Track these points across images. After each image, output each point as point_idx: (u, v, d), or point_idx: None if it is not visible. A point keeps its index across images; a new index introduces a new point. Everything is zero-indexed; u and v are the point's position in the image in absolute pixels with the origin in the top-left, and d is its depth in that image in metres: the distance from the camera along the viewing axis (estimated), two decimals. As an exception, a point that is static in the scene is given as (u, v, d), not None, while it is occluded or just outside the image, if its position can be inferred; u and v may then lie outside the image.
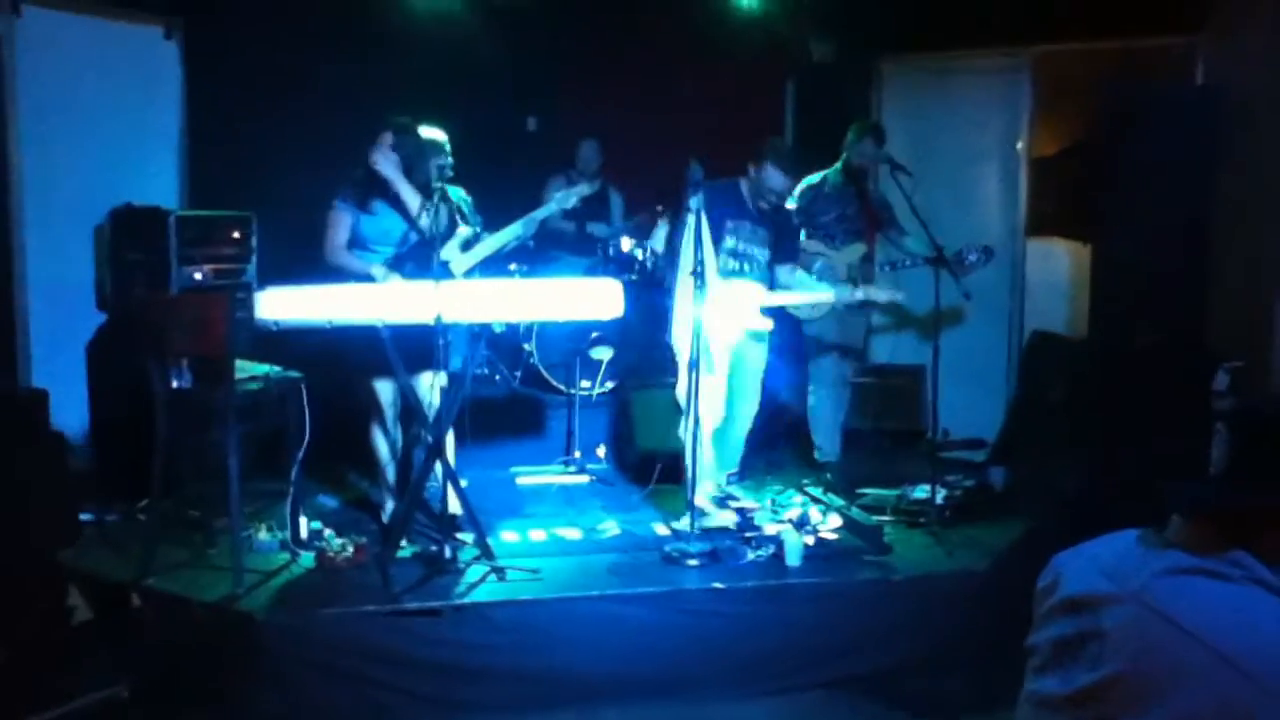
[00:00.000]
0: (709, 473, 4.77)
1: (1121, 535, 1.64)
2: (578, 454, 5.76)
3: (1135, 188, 5.35)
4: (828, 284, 5.06)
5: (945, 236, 4.95)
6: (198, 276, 5.01)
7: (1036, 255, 6.41)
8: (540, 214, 5.12)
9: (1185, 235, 5.35)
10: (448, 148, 4.91)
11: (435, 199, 4.32)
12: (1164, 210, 5.30)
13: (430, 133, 4.84)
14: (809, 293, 5.00)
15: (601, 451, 5.79)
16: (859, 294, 4.96)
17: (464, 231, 4.79)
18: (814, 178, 5.49)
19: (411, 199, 4.40)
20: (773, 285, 4.89)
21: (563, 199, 5.15)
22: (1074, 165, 6.18)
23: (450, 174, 4.89)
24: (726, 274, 4.76)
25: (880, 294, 5.04)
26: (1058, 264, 6.37)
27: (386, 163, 4.41)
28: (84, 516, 4.69)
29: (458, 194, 5.08)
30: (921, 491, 4.89)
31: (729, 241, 4.78)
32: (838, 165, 5.49)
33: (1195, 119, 5.36)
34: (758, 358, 4.92)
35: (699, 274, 4.32)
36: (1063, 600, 1.60)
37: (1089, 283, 5.76)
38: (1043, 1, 5.88)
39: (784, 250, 4.96)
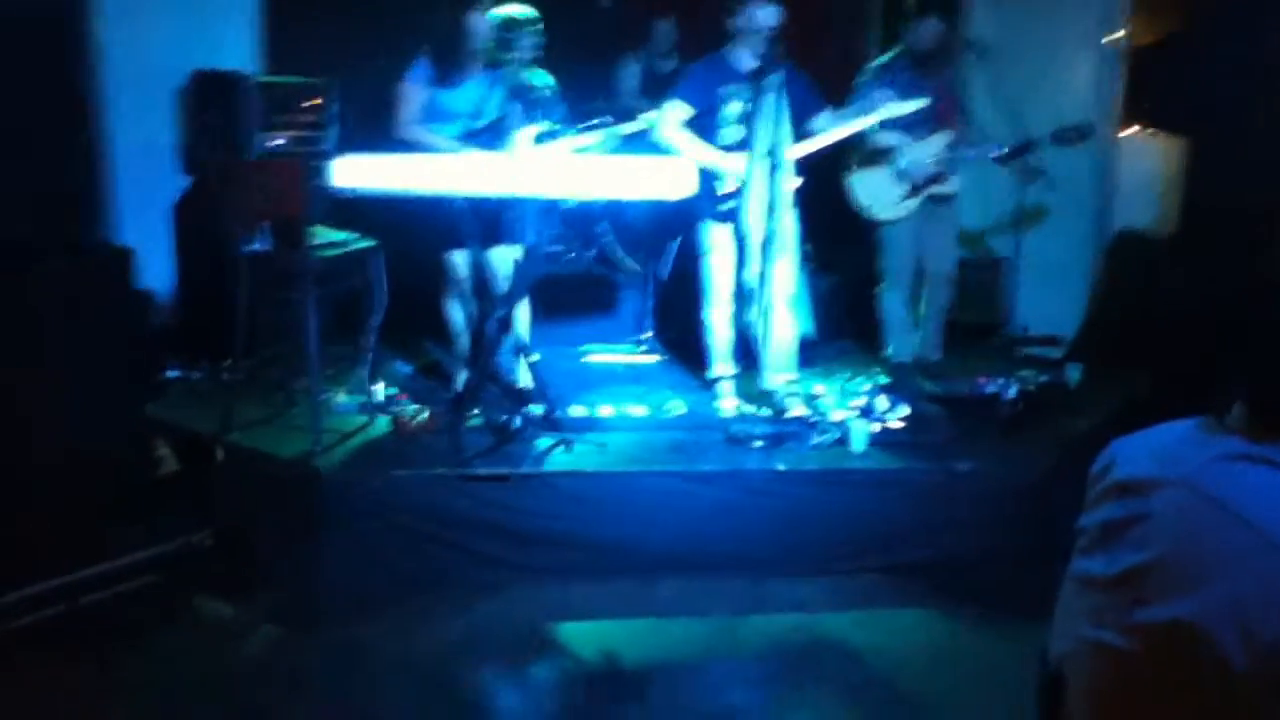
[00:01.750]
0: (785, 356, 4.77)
1: (1182, 422, 1.63)
2: (648, 334, 5.79)
3: (1238, 82, 5.10)
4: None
5: (1036, 128, 4.79)
6: (276, 142, 5.06)
7: (1129, 151, 6.17)
8: (628, 130, 5.00)
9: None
10: (540, 25, 4.84)
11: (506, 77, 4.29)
12: (1267, 107, 5.05)
13: (518, 9, 4.78)
14: (840, 129, 4.71)
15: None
16: (888, 112, 4.68)
17: (539, 128, 4.74)
18: (881, 59, 5.22)
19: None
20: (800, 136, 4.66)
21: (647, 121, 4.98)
22: (1176, 56, 5.89)
23: (539, 54, 4.85)
24: (733, 148, 4.58)
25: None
26: (1152, 160, 6.12)
27: (483, 28, 4.39)
28: (171, 373, 4.88)
29: (543, 78, 5.03)
30: (995, 386, 4.85)
31: (730, 110, 4.59)
32: (900, 49, 5.18)
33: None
34: (793, 222, 4.73)
35: (775, 153, 4.26)
36: (1114, 483, 1.60)
37: (1182, 181, 5.55)
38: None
39: (799, 98, 4.60)
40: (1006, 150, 4.85)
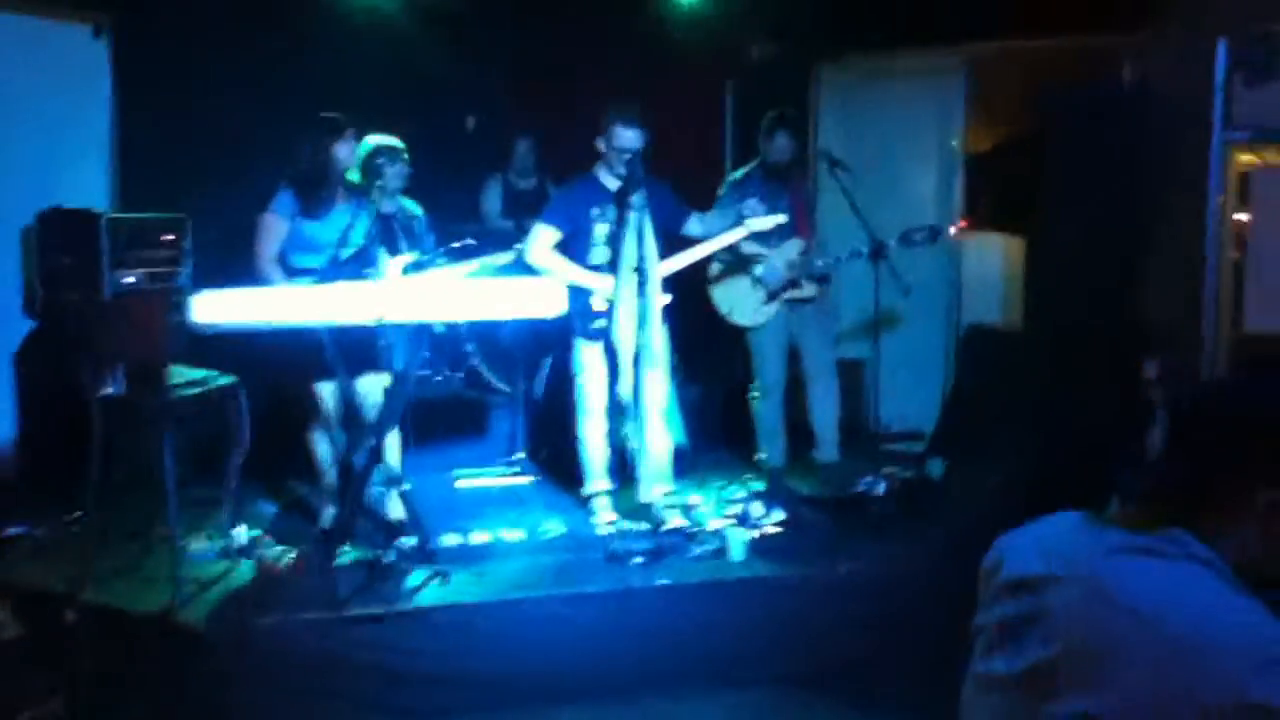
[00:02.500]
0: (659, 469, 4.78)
1: (1063, 516, 1.66)
2: (520, 455, 5.73)
3: (1069, 183, 5.45)
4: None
5: (884, 232, 5.01)
6: (131, 280, 4.90)
7: (972, 250, 6.51)
8: (499, 261, 5.00)
9: (1118, 229, 5.45)
10: (406, 155, 4.85)
11: (374, 208, 4.28)
12: (1096, 206, 5.40)
13: (386, 139, 4.79)
14: (709, 244, 4.85)
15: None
16: (755, 226, 4.80)
17: (408, 258, 4.72)
18: (737, 173, 5.43)
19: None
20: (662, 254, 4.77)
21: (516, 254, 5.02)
22: (1010, 161, 6.27)
23: (407, 183, 4.85)
24: (603, 268, 4.67)
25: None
26: (993, 258, 6.48)
27: (349, 157, 4.37)
28: (13, 530, 4.57)
29: (412, 206, 5.02)
30: (863, 484, 4.93)
31: (599, 231, 4.69)
32: (756, 161, 5.39)
33: (1127, 115, 5.47)
34: (662, 337, 4.79)
35: (642, 270, 4.33)
36: (1007, 581, 1.62)
37: (1023, 276, 5.87)
38: (977, 2, 5.95)
39: (667, 209, 4.77)
40: (861, 253, 5.03)
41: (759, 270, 5.21)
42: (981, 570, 1.71)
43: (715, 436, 5.99)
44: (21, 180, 5.15)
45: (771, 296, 5.25)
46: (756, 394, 5.43)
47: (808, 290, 5.28)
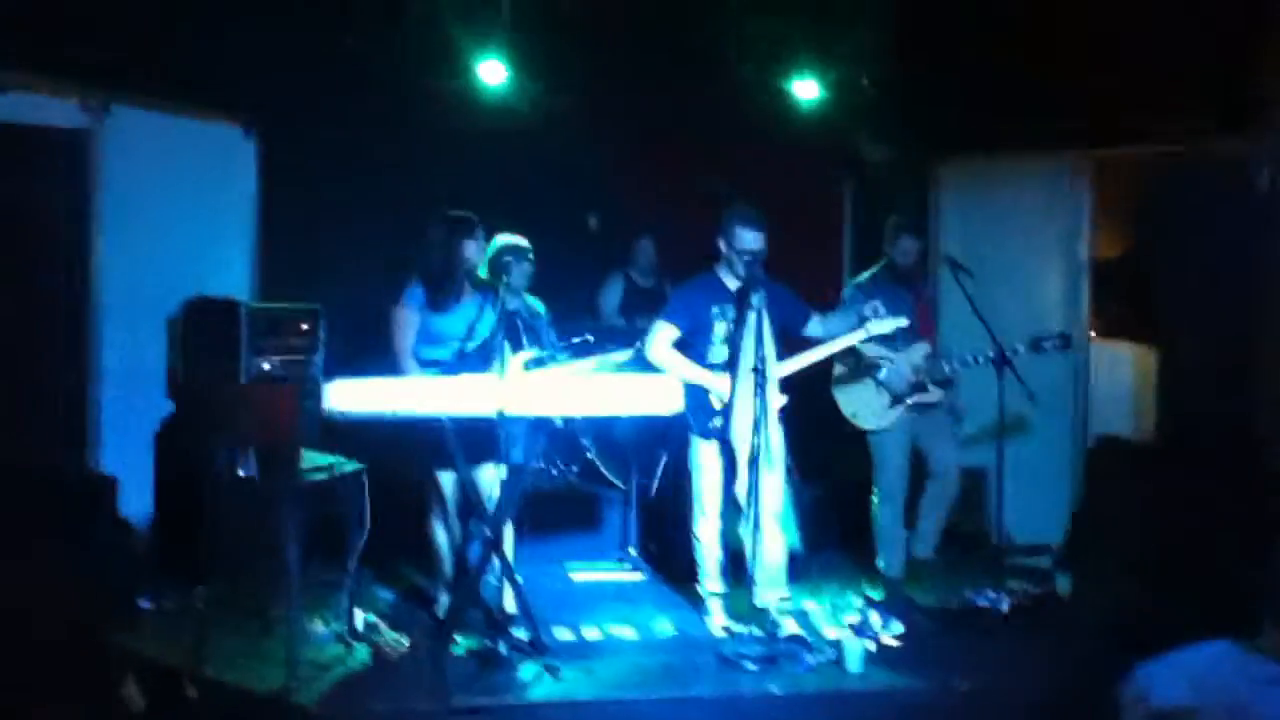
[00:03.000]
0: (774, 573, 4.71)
1: (1211, 645, 1.59)
2: (632, 551, 5.71)
3: (1199, 293, 5.30)
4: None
5: (1008, 337, 4.92)
6: (266, 366, 5.10)
7: (1101, 358, 6.33)
8: (618, 358, 5.09)
9: (1253, 338, 5.26)
10: (531, 254, 4.99)
11: (500, 304, 4.40)
12: (1229, 312, 5.23)
13: (513, 238, 4.94)
14: (828, 346, 4.86)
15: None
16: (875, 329, 4.77)
17: (529, 354, 4.82)
18: (862, 276, 5.43)
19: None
20: (780, 355, 4.78)
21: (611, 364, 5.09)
22: (1137, 268, 6.13)
23: (532, 281, 4.98)
24: (722, 366, 4.69)
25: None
26: (1123, 367, 6.29)
27: (478, 254, 4.51)
28: (142, 602, 4.72)
29: (535, 303, 5.15)
30: (986, 599, 4.77)
31: (718, 329, 4.71)
32: (881, 265, 5.40)
33: (1256, 219, 5.32)
34: (780, 438, 4.78)
35: (760, 370, 4.33)
36: (1153, 712, 1.55)
37: (1155, 387, 5.68)
38: (1099, 105, 5.89)
39: (787, 310, 4.80)
40: (985, 357, 4.95)
41: (883, 374, 5.15)
42: (1124, 699, 1.64)
43: (829, 539, 5.88)
44: (170, 270, 5.45)
45: (896, 400, 5.18)
46: (876, 499, 5.32)
47: (933, 395, 5.21)
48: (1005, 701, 4.09)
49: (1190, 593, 4.62)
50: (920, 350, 5.18)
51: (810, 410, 5.19)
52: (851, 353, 5.09)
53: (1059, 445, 6.25)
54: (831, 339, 4.87)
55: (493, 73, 5.95)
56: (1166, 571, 4.91)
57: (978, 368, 5.06)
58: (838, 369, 5.29)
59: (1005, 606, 4.68)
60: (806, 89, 6.26)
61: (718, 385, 4.64)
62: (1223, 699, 1.44)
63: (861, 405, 5.23)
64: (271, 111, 5.83)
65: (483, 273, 4.72)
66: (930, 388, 5.19)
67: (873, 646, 4.41)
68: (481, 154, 6.36)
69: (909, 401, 5.18)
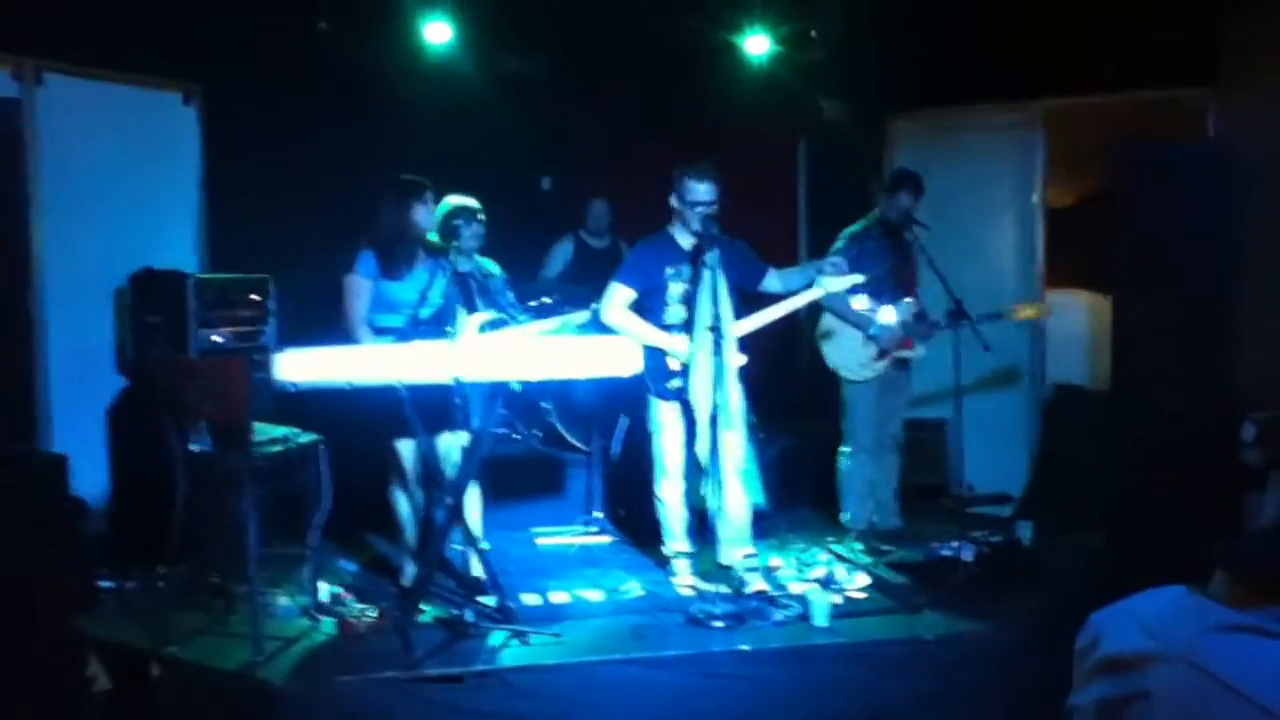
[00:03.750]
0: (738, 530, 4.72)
1: (1162, 591, 1.60)
2: (598, 514, 5.71)
3: (1153, 242, 5.33)
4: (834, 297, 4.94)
5: (963, 290, 4.93)
6: (217, 339, 5.02)
7: (1056, 308, 6.37)
8: (576, 320, 5.05)
9: (1205, 288, 5.30)
10: (483, 215, 4.92)
11: (451, 268, 4.35)
12: (1183, 263, 5.27)
13: (463, 200, 4.87)
14: (783, 305, 4.84)
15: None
16: (830, 286, 4.73)
17: (484, 316, 4.77)
18: (855, 227, 5.35)
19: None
20: (739, 312, 4.77)
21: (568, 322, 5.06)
22: (1091, 218, 6.17)
23: (484, 242, 4.92)
24: (679, 327, 4.67)
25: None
26: (1078, 316, 6.34)
27: (428, 219, 4.45)
28: (103, 583, 4.66)
29: (489, 265, 5.09)
30: (949, 549, 4.82)
31: (674, 290, 4.69)
32: (874, 217, 5.36)
33: (1209, 173, 5.35)
34: (739, 396, 4.73)
35: (717, 329, 4.31)
36: (1104, 659, 1.56)
37: (1110, 336, 5.73)
38: (1052, 56, 5.90)
39: (743, 266, 4.76)
40: (985, 316, 4.97)
41: (873, 329, 5.15)
42: (1077, 648, 1.64)
43: (794, 496, 5.91)
44: (114, 243, 5.33)
45: (882, 354, 5.19)
46: (847, 451, 5.34)
47: (918, 351, 5.22)
48: (972, 650, 4.14)
49: (1148, 538, 4.71)
50: (909, 307, 5.18)
51: (772, 367, 5.20)
52: (841, 305, 5.10)
53: (1017, 395, 6.31)
54: (790, 294, 4.86)
55: (438, 33, 5.85)
56: (1124, 517, 5.00)
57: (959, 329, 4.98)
58: (825, 322, 5.30)
59: (969, 556, 4.72)
60: (758, 44, 6.22)
61: (675, 346, 4.62)
62: (1174, 645, 1.45)
63: (848, 357, 5.24)
64: (212, 77, 5.69)
65: (434, 237, 4.66)
66: (916, 345, 5.20)
67: (839, 600, 4.44)
68: (430, 116, 6.27)
69: (894, 355, 5.19)
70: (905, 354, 5.23)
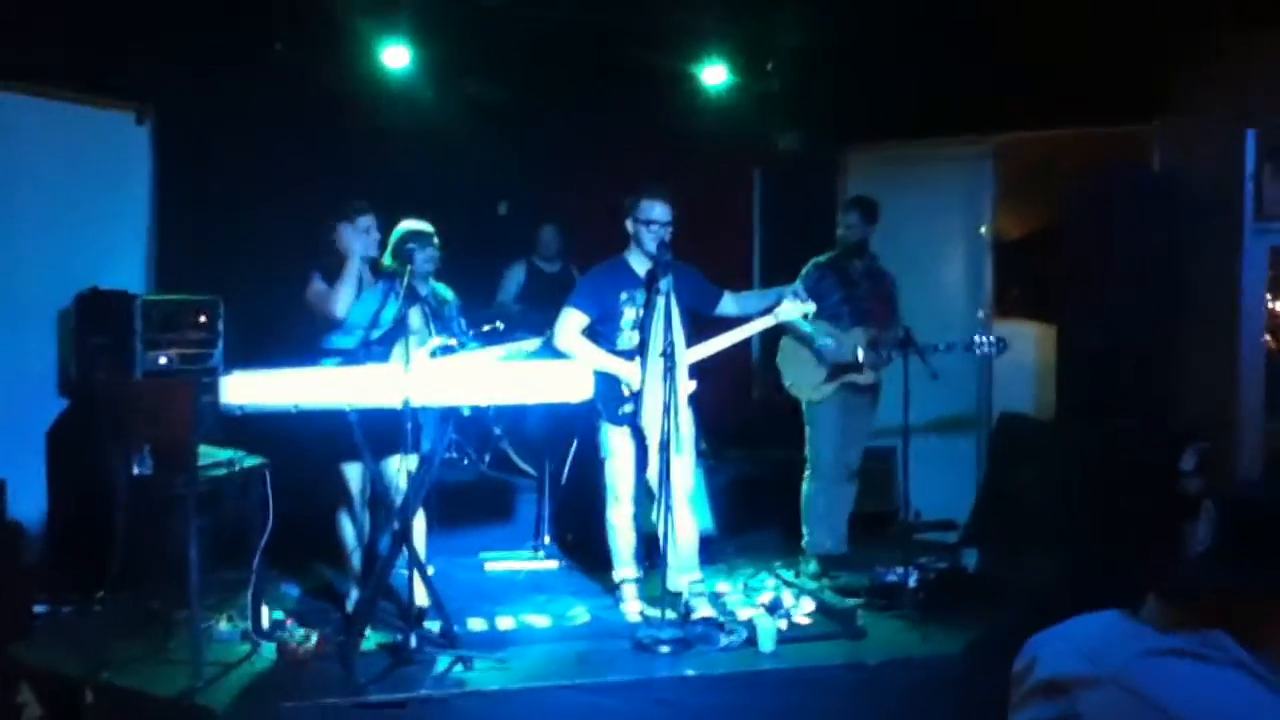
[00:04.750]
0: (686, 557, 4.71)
1: (1097, 616, 1.61)
2: (547, 539, 5.68)
3: (1099, 272, 5.43)
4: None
5: (912, 319, 5.00)
6: (163, 361, 4.96)
7: (1003, 337, 6.45)
8: (527, 346, 5.02)
9: (1149, 319, 5.41)
10: (437, 240, 4.90)
11: (402, 290, 4.32)
12: (1127, 294, 5.37)
13: (416, 224, 4.85)
14: (734, 333, 4.86)
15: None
16: (782, 315, 4.79)
17: (437, 341, 4.75)
18: (821, 257, 5.41)
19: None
20: (690, 339, 4.77)
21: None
22: (1038, 250, 6.27)
23: (438, 266, 4.90)
24: (631, 353, 4.66)
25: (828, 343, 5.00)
26: (1025, 346, 6.43)
27: (360, 243, 4.42)
28: (37, 608, 4.55)
29: (443, 290, 5.05)
30: (895, 574, 4.84)
31: (627, 315, 4.69)
32: (840, 247, 5.42)
33: (1155, 204, 5.47)
34: (689, 422, 4.71)
35: (669, 354, 4.32)
36: (1039, 683, 1.57)
37: (1055, 365, 5.82)
38: (1003, 91, 6.01)
39: (697, 291, 4.78)
40: (948, 346, 5.03)
41: (819, 343, 5.19)
42: (1013, 672, 1.65)
43: (745, 522, 5.92)
44: (61, 262, 5.25)
45: (831, 375, 5.21)
46: (808, 476, 5.35)
47: (867, 377, 5.24)
48: (915, 675, 4.17)
49: (1091, 564, 4.77)
50: (862, 334, 5.21)
51: (725, 395, 5.21)
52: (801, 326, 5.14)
53: (963, 424, 6.38)
54: (745, 317, 4.89)
55: (396, 57, 5.84)
56: (1068, 544, 5.05)
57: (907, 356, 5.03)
58: (784, 344, 5.34)
59: (913, 581, 4.75)
60: (715, 75, 6.27)
61: (628, 372, 4.63)
62: (1107, 668, 1.46)
63: (800, 376, 5.28)
64: (165, 98, 5.65)
65: (388, 260, 4.63)
66: (866, 371, 5.22)
67: (784, 625, 4.45)
68: (387, 140, 6.26)
69: (842, 380, 5.21)
70: (855, 379, 5.24)
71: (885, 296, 5.36)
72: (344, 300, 4.41)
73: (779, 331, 5.22)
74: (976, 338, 5.07)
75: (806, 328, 5.15)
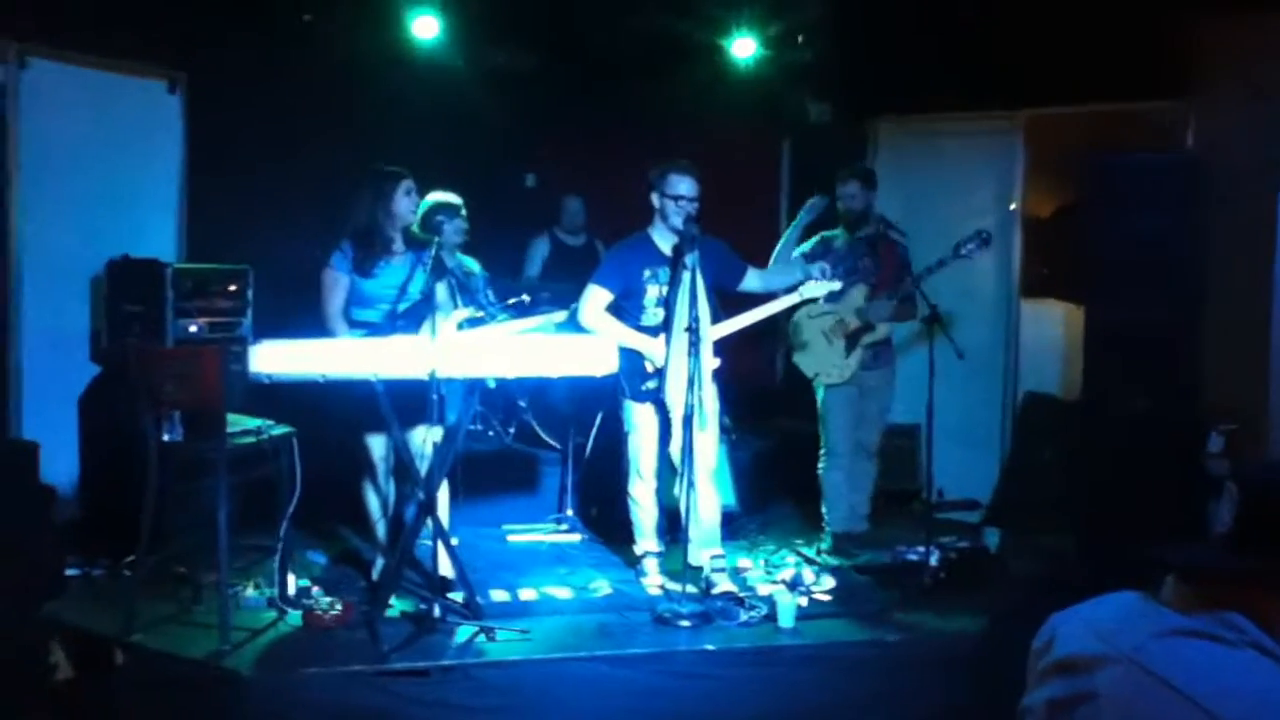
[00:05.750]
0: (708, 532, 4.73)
1: (1117, 596, 1.62)
2: (570, 512, 5.72)
3: (1128, 251, 5.37)
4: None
5: (939, 295, 4.96)
6: (193, 329, 5.00)
7: (1031, 316, 6.43)
8: (554, 319, 5.03)
9: (1176, 299, 5.35)
10: (464, 212, 4.91)
11: (430, 261, 4.34)
12: (1157, 274, 5.31)
13: (445, 195, 4.86)
14: (760, 310, 4.88)
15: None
16: (808, 292, 4.85)
17: (464, 313, 4.77)
18: (827, 233, 5.39)
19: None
20: (716, 315, 4.78)
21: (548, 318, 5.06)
22: (1067, 228, 6.21)
23: (466, 239, 4.91)
24: (656, 329, 4.68)
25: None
26: (1052, 325, 6.39)
27: (409, 209, 4.43)
28: (70, 570, 4.64)
29: (469, 262, 5.06)
30: (916, 553, 4.85)
31: (651, 292, 4.69)
32: (841, 219, 5.36)
33: (1185, 183, 5.40)
34: (714, 398, 4.76)
35: (694, 330, 4.33)
36: (1057, 661, 1.58)
37: (1082, 345, 5.77)
38: (1033, 66, 5.94)
39: (722, 265, 4.77)
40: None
41: (825, 327, 5.18)
42: (1032, 650, 1.66)
43: (767, 498, 5.93)
44: (93, 229, 5.30)
45: (850, 347, 5.18)
46: (823, 457, 5.34)
47: (881, 331, 5.19)
48: (934, 653, 4.18)
49: (1114, 545, 4.75)
50: (859, 292, 5.16)
51: (747, 371, 5.21)
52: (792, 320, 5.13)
53: (989, 401, 6.36)
54: (770, 293, 4.88)
55: (426, 27, 5.84)
56: (1091, 525, 5.04)
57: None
58: (791, 334, 5.33)
59: (934, 560, 4.75)
60: (744, 47, 6.23)
61: (652, 348, 4.64)
62: (1123, 647, 1.47)
63: (822, 363, 5.24)
64: (197, 66, 5.67)
65: (415, 230, 4.65)
66: (878, 326, 5.18)
67: (804, 602, 4.47)
68: (415, 111, 6.27)
69: (864, 343, 5.18)
70: (870, 338, 5.16)
71: (893, 265, 5.29)
72: (339, 331, 4.45)
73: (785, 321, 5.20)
74: (959, 243, 4.96)
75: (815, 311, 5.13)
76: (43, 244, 5.11)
